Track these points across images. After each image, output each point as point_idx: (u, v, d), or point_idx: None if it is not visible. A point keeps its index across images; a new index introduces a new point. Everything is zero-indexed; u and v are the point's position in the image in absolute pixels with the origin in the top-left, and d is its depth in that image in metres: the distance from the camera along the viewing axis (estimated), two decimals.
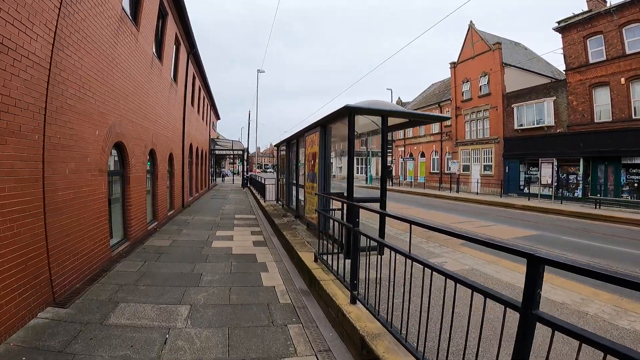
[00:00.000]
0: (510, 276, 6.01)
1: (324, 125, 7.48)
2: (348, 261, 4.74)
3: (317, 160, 7.62)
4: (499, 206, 19.01)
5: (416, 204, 18.91)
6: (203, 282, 5.66)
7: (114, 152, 7.40)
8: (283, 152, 12.75)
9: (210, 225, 10.89)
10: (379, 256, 3.84)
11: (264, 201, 15.95)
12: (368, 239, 3.91)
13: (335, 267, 4.96)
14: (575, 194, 21.07)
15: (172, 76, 12.85)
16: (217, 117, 36.63)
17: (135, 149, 8.16)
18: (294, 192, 11.87)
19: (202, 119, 23.15)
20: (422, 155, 36.78)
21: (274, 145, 14.94)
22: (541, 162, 20.71)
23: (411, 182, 36.02)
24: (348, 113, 5.87)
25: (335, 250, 5.54)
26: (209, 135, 27.10)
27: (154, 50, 9.87)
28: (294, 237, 7.86)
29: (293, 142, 11.56)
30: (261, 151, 79.92)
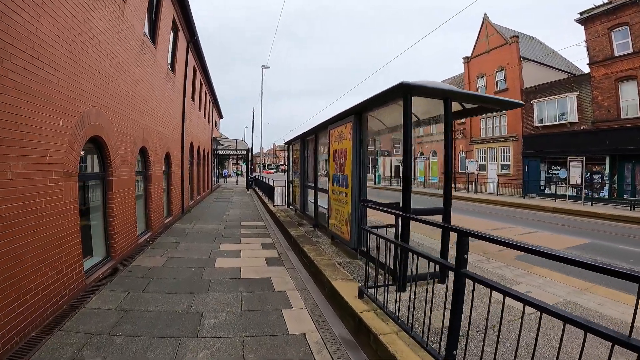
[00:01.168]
0: (620, 311, 4.32)
1: (359, 112, 5.83)
2: (404, 296, 3.73)
3: (349, 159, 5.97)
4: (525, 208, 17.34)
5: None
6: (204, 329, 4.01)
7: (95, 150, 5.75)
8: (296, 150, 11.09)
9: (213, 236, 9.23)
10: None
11: (273, 205, 14.28)
12: (415, 258, 3.09)
13: (392, 308, 3.35)
14: (601, 194, 19.36)
15: (168, 65, 11.19)
16: (220, 116, 34.96)
17: (120, 145, 6.51)
18: (311, 197, 10.23)
19: (204, 116, 21.57)
20: (434, 154, 35.05)
21: (285, 143, 13.30)
22: (570, 161, 18.99)
23: (423, 182, 34.29)
24: (403, 93, 4.23)
25: (388, 280, 3.94)
26: (211, 134, 25.52)
27: (146, 30, 8.23)
28: (319, 256, 6.20)
29: (310, 139, 9.89)
30: (264, 151, 78.18)
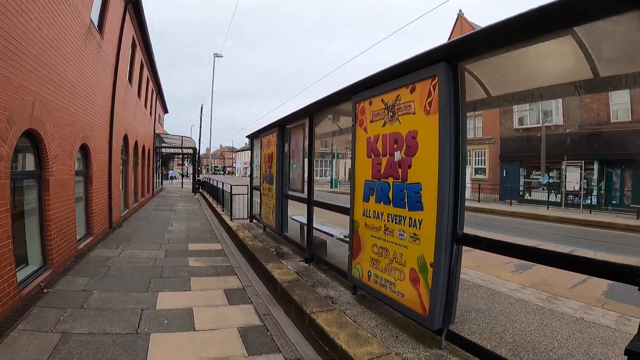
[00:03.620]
0: None
1: (453, 58, 2.83)
2: None
3: (440, 149, 2.90)
4: (521, 217, 15.46)
5: None
6: None
7: None
8: (269, 145, 7.82)
9: (146, 276, 5.81)
10: None
11: (231, 219, 10.76)
12: None
13: None
14: (587, 201, 18.19)
15: (92, 21, 7.57)
16: (165, 110, 30.49)
17: None
18: (295, 212, 7.05)
19: (146, 106, 17.72)
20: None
21: (248, 136, 10.02)
22: (566, 166, 17.50)
23: None
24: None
25: None
26: (154, 129, 21.55)
27: None
28: (360, 347, 3.04)
29: (297, 126, 6.67)
30: (211, 152, 73.62)
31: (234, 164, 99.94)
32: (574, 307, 4.39)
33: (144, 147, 16.71)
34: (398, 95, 3.44)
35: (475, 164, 25.17)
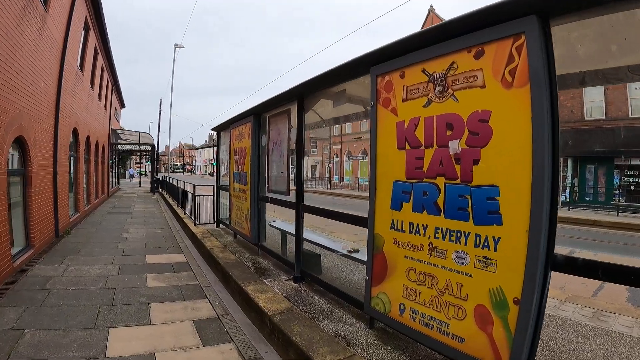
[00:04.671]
0: None
1: (549, 10, 1.97)
2: None
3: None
4: None
5: None
6: None
7: None
8: (241, 139, 6.67)
9: (95, 301, 4.61)
10: None
11: (194, 224, 9.44)
12: None
13: None
14: (561, 198, 18.62)
15: None
16: (122, 104, 28.25)
17: None
18: (275, 218, 5.99)
19: (100, 98, 16.01)
20: (364, 153, 32.63)
21: (213, 129, 8.77)
22: None
23: (350, 183, 31.61)
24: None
25: None
26: (110, 124, 19.82)
27: None
28: None
29: (279, 113, 5.60)
30: (170, 150, 70.94)
31: (194, 162, 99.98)
32: (626, 324, 3.92)
33: (97, 143, 15.31)
34: (453, 62, 2.51)
35: None
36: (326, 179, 35.06)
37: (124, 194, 22.82)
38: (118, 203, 17.25)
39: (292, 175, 5.31)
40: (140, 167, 49.96)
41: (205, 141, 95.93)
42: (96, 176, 15.34)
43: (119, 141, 23.66)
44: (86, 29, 11.76)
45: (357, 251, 4.40)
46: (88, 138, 12.91)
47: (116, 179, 27.08)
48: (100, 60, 15.46)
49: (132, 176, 48.20)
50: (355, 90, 4.49)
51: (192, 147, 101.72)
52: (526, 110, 2.13)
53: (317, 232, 6.22)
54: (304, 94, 4.74)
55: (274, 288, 4.60)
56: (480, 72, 2.35)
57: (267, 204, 6.14)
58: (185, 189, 11.77)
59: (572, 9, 2.05)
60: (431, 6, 26.59)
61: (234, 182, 7.17)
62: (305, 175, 5.39)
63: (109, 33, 14.28)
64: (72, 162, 10.65)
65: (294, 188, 5.03)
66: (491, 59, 2.30)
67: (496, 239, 2.27)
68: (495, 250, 2.28)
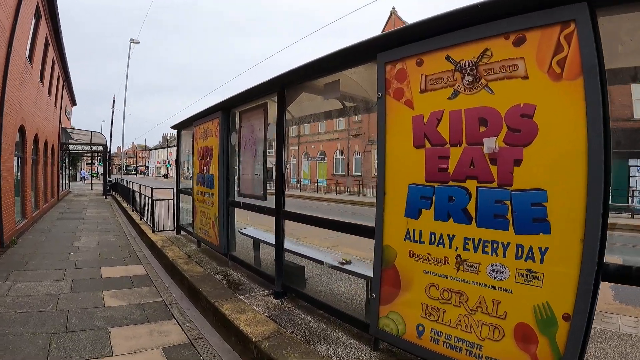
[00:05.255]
0: None
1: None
2: None
3: None
4: None
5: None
6: None
7: None
8: (206, 137, 6.14)
9: (46, 328, 3.89)
10: None
11: (153, 231, 8.71)
12: None
13: None
14: None
15: None
16: (73, 102, 26.45)
17: None
18: (245, 228, 5.59)
19: (50, 94, 14.80)
20: (323, 155, 32.53)
21: (173, 127, 8.08)
22: None
23: (308, 185, 31.36)
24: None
25: None
26: (60, 123, 18.45)
27: None
28: None
29: (254, 108, 5.18)
30: (123, 150, 67.53)
31: (147, 164, 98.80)
32: (631, 325, 3.86)
33: (46, 142, 14.28)
34: (486, 50, 2.28)
35: None
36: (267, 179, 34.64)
37: (75, 198, 21.82)
38: (69, 207, 16.31)
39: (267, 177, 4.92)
40: (91, 169, 48.44)
41: (159, 142, 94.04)
42: (45, 179, 14.39)
43: (70, 141, 22.59)
44: (37, 17, 10.85)
45: (349, 262, 4.08)
46: (36, 137, 11.99)
47: (67, 182, 26.12)
48: (52, 53, 14.39)
49: (83, 178, 47.10)
50: (346, 83, 4.20)
51: (145, 148, 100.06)
52: (579, 105, 1.95)
53: (293, 239, 5.84)
54: (286, 86, 4.37)
55: (254, 306, 4.17)
56: (522, 62, 2.13)
57: (237, 210, 5.67)
58: (142, 192, 11.13)
59: (620, 1, 1.95)
60: (393, 8, 27.08)
61: (197, 184, 6.61)
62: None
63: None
64: (18, 163, 9.77)
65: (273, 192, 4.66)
66: (534, 48, 2.09)
67: (543, 249, 2.06)
68: (541, 262, 2.07)
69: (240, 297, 4.49)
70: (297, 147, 35.18)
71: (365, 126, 28.15)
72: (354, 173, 28.99)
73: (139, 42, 28.98)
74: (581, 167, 1.93)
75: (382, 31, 26.46)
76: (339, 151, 31.29)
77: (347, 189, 27.98)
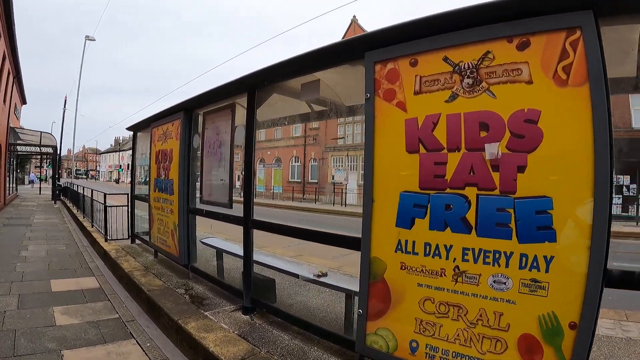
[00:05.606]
0: None
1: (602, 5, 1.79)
2: None
3: None
4: None
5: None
6: None
7: None
8: (165, 138, 5.77)
9: None
10: None
11: (106, 239, 8.16)
12: None
13: None
14: None
15: None
16: (23, 100, 24.80)
17: None
18: (207, 237, 5.32)
19: None
20: (279, 161, 32.24)
21: (129, 128, 7.63)
22: None
23: (263, 192, 30.96)
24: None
25: None
26: (9, 122, 17.43)
27: None
28: None
29: (219, 109, 4.94)
30: (73, 153, 63.82)
31: (98, 168, 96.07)
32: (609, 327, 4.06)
33: None
34: (487, 52, 2.24)
35: (363, 170, 25.88)
36: (238, 186, 33.93)
37: (22, 202, 21.14)
38: (16, 213, 15.73)
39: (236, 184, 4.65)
40: (40, 172, 46.50)
41: (111, 145, 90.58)
42: None
43: (19, 142, 21.88)
44: None
45: (325, 275, 3.93)
46: None
47: (14, 185, 25.29)
48: (2, 46, 13.50)
49: (32, 182, 44.94)
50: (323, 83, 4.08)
51: (97, 152, 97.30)
52: (586, 112, 1.95)
53: (255, 249, 5.60)
54: (257, 85, 4.17)
55: (222, 323, 3.89)
56: (526, 66, 2.11)
57: (199, 218, 5.35)
58: (94, 197, 10.53)
59: (622, 12, 2.03)
60: (354, 16, 27.68)
61: (155, 190, 6.18)
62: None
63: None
64: None
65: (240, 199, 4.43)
66: (539, 52, 2.08)
67: (548, 258, 2.04)
68: (546, 271, 2.04)
69: (206, 313, 4.18)
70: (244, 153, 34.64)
71: (322, 133, 28.27)
72: (310, 180, 28.96)
73: (95, 40, 27.48)
74: (588, 173, 1.93)
75: (344, 37, 26.84)
76: (295, 158, 31.16)
77: (302, 196, 27.90)
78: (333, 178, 24.76)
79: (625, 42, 2.47)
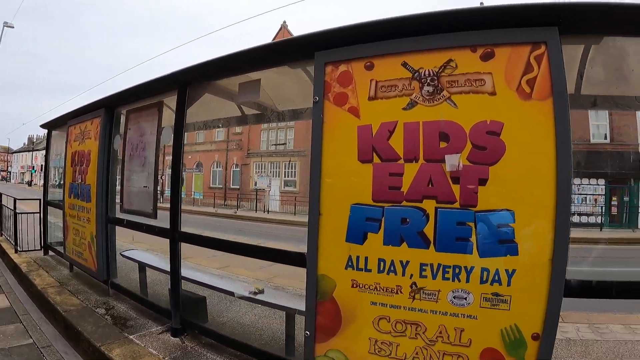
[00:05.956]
0: None
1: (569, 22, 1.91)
2: None
3: None
4: None
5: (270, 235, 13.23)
6: None
7: None
8: (84, 138, 5.06)
9: None
10: None
11: (16, 251, 7.09)
12: None
13: None
14: None
15: None
16: None
17: None
18: (127, 250, 4.79)
19: None
20: (200, 166, 30.91)
21: (43, 125, 6.72)
22: None
23: (184, 197, 29.42)
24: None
25: None
26: None
27: None
28: None
29: (144, 107, 4.44)
30: None
31: (10, 169, 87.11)
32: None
33: None
34: (450, 60, 2.17)
35: (285, 176, 25.80)
36: (157, 192, 31.97)
37: None
38: None
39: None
40: None
41: (24, 144, 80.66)
42: None
43: None
44: None
45: (262, 292, 3.63)
46: None
47: None
48: None
49: None
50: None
51: (8, 151, 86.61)
52: (549, 126, 1.95)
53: (187, 262, 5.13)
54: (189, 83, 3.78)
55: (150, 349, 3.41)
56: (489, 77, 2.06)
57: (120, 227, 4.76)
58: (3, 203, 9.13)
59: (585, 31, 2.12)
60: (284, 21, 27.70)
61: (70, 196, 5.37)
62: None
63: None
64: None
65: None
66: (503, 64, 2.05)
67: (510, 272, 2.00)
68: (508, 284, 2.00)
69: (131, 336, 3.65)
70: (170, 158, 32.86)
71: (245, 138, 27.73)
72: (231, 186, 28.20)
73: (13, 27, 24.00)
74: (550, 186, 1.92)
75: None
76: (217, 162, 30.12)
77: (224, 203, 27.02)
78: (255, 184, 24.35)
79: (572, 59, 2.56)
